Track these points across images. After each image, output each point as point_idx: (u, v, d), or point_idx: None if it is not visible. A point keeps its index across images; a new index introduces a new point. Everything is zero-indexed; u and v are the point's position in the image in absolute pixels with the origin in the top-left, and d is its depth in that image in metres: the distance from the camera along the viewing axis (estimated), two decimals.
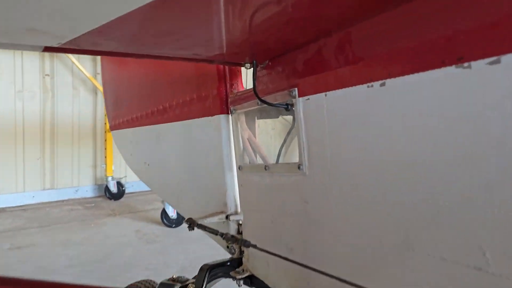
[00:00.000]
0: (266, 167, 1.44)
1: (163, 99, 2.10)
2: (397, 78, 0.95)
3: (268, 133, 1.56)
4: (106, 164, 6.57)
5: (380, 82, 0.99)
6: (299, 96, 1.25)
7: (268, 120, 1.55)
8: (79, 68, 6.32)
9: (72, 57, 6.23)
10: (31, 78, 6.14)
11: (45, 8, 0.81)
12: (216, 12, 0.98)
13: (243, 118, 1.62)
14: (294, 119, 1.37)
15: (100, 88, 6.49)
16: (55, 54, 6.29)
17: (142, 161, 2.34)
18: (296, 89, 1.26)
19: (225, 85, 1.71)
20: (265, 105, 1.40)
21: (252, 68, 1.41)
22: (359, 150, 1.07)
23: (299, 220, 1.31)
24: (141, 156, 2.36)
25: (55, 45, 1.04)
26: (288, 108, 1.30)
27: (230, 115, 1.69)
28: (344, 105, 1.10)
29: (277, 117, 1.49)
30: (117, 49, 1.12)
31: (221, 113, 1.72)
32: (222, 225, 1.75)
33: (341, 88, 1.10)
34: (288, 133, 1.41)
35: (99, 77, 6.61)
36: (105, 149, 6.57)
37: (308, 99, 1.22)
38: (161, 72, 2.15)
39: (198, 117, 1.85)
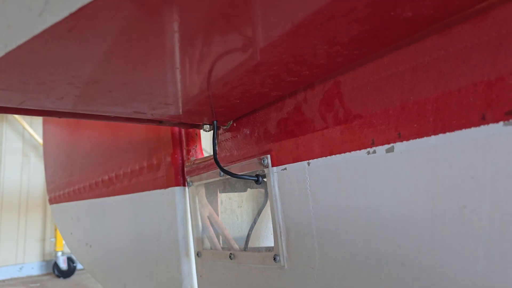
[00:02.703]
0: (231, 255, 1.12)
1: (109, 168, 1.77)
2: (411, 141, 0.68)
3: (234, 211, 1.26)
4: (56, 238, 5.94)
5: (387, 146, 0.72)
6: (272, 165, 0.97)
7: (233, 195, 1.25)
8: (30, 134, 5.89)
9: (24, 122, 5.82)
10: None
11: None
12: (160, 55, 0.70)
13: (202, 191, 1.31)
14: (266, 194, 1.08)
15: None
16: (5, 119, 5.86)
17: (83, 242, 1.95)
18: (268, 156, 0.98)
19: (181, 151, 1.41)
20: (229, 176, 1.11)
21: (212, 131, 1.13)
22: (359, 236, 0.77)
23: None
24: (83, 235, 1.97)
25: None
26: (259, 180, 1.01)
27: (187, 188, 1.38)
28: (334, 177, 0.82)
29: (245, 190, 1.20)
30: (25, 104, 0.82)
31: (176, 185, 1.40)
32: None
33: (329, 155, 0.83)
34: (259, 213, 1.10)
35: None
36: None
37: (285, 169, 0.94)
38: (108, 138, 1.83)
39: (149, 190, 1.52)
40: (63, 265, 5.86)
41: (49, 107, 0.88)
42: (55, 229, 5.95)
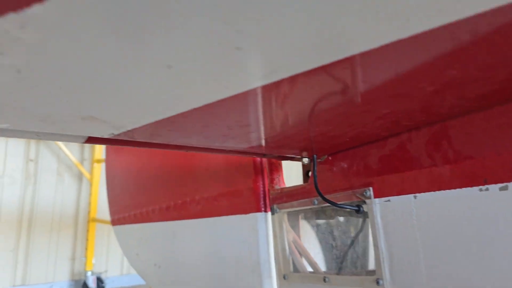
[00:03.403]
0: (325, 278, 1.22)
1: (182, 193, 1.89)
2: None
3: (323, 237, 1.37)
4: (86, 257, 6.06)
5: (500, 185, 0.83)
6: (375, 197, 1.08)
7: (321, 222, 1.36)
8: (65, 154, 6.07)
9: (60, 142, 6.02)
10: (14, 163, 5.83)
11: (120, 94, 0.64)
12: (281, 103, 0.83)
13: (287, 217, 1.42)
14: (363, 222, 1.19)
15: (87, 174, 6.21)
16: None
17: (151, 262, 2.06)
18: (370, 188, 1.08)
19: (262, 179, 1.53)
20: (324, 205, 1.22)
21: (307, 163, 1.25)
22: (470, 265, 0.87)
23: None
24: (151, 256, 2.08)
25: (105, 136, 0.86)
26: (360, 210, 1.12)
27: (268, 214, 1.49)
28: (443, 210, 0.93)
29: (333, 218, 1.30)
30: (174, 141, 0.95)
31: (257, 211, 1.51)
32: None
33: (437, 190, 0.94)
34: (355, 237, 1.20)
35: (86, 163, 6.36)
36: (87, 240, 6.10)
37: (389, 200, 1.05)
38: (180, 164, 1.96)
39: (228, 215, 1.63)
40: (92, 285, 5.94)
41: (175, 141, 1.00)
42: (86, 249, 6.07)
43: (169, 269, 1.95)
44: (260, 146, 1.10)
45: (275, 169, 1.51)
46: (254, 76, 0.60)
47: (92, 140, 0.90)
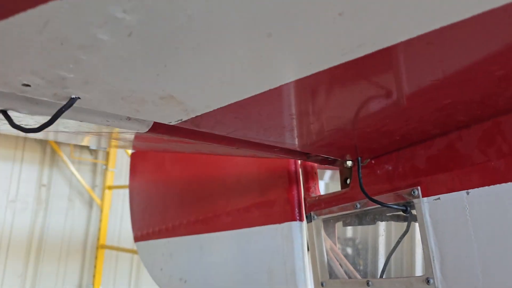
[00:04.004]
0: (369, 282, 1.21)
1: (210, 206, 1.90)
2: None
3: (361, 242, 1.37)
4: (93, 284, 5.96)
5: None
6: (423, 196, 1.09)
7: (361, 227, 1.36)
8: (78, 179, 6.09)
9: (72, 167, 6.05)
10: (27, 188, 5.84)
11: (207, 68, 0.67)
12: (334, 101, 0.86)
13: (325, 224, 1.42)
14: (409, 223, 1.19)
15: (98, 201, 6.20)
16: (55, 164, 6.09)
17: (176, 277, 2.04)
18: (418, 188, 1.10)
19: (297, 188, 1.54)
20: (367, 208, 1.23)
21: (350, 166, 1.27)
22: None
23: None
24: (176, 270, 2.06)
25: (172, 122, 0.88)
26: (407, 210, 1.12)
27: (303, 223, 1.50)
28: (499, 204, 0.93)
29: (374, 223, 1.31)
30: (233, 133, 0.98)
31: (292, 219, 1.52)
32: None
33: (492, 184, 0.95)
34: (399, 240, 1.20)
35: (97, 189, 6.37)
36: (95, 267, 6.02)
37: (438, 198, 1.06)
38: (207, 178, 1.98)
39: (260, 225, 1.63)
40: None
41: (234, 133, 1.02)
42: (93, 276, 5.98)
43: (195, 283, 1.93)
44: (309, 144, 1.13)
45: (311, 178, 1.52)
46: (336, 53, 0.63)
47: (156, 128, 0.92)
